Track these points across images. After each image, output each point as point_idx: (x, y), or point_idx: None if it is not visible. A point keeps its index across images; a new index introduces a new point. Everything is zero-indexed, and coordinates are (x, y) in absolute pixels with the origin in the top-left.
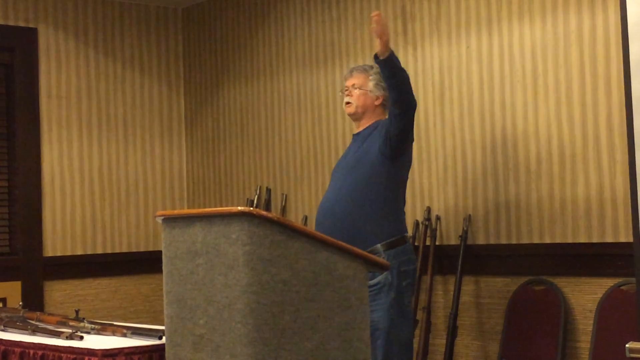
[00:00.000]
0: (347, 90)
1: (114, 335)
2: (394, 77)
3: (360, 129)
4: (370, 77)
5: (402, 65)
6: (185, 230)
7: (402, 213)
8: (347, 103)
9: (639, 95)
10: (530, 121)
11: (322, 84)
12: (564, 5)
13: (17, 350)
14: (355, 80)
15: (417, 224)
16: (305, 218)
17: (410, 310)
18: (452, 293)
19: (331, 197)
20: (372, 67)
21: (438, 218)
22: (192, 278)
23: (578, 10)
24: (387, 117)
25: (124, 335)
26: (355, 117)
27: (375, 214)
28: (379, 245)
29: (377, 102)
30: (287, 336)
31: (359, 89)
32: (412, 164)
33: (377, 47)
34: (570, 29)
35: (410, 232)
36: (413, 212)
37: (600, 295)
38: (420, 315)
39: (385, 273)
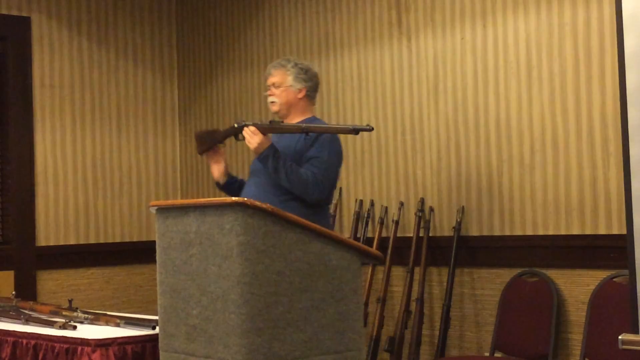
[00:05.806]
0: (269, 89)
1: (107, 325)
2: (276, 172)
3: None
4: (288, 72)
5: (396, 57)
6: (179, 220)
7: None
8: (272, 102)
9: (633, 88)
10: (524, 113)
11: None
12: None
13: (10, 339)
14: (274, 78)
15: (410, 215)
16: None
17: None
18: (445, 284)
19: None
20: (289, 61)
21: (431, 209)
22: (185, 268)
23: (573, 2)
24: (314, 106)
25: (117, 325)
26: (282, 114)
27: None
28: None
29: (300, 95)
30: (281, 327)
31: (280, 87)
32: (406, 154)
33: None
34: (565, 21)
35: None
36: (407, 204)
37: (593, 287)
38: (413, 307)
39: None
